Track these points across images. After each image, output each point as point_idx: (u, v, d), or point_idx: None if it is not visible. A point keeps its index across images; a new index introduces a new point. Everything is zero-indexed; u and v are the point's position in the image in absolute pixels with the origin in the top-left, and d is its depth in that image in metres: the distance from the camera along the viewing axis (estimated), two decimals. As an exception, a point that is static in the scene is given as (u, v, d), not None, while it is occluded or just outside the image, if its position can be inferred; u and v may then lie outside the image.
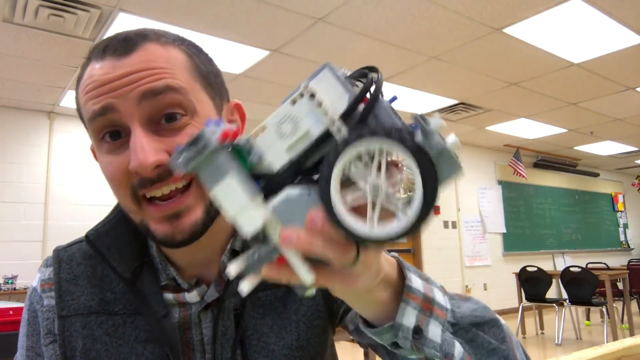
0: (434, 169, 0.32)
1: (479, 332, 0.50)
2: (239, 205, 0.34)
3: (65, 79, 4.45)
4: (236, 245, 0.63)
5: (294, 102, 0.36)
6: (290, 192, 0.35)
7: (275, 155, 0.35)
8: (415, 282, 0.47)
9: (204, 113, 0.55)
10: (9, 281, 4.71)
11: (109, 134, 0.54)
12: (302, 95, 0.36)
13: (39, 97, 4.86)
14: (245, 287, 0.37)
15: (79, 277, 0.62)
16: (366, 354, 2.95)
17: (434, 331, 0.46)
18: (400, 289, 0.46)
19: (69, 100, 4.98)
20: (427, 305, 0.47)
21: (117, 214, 0.65)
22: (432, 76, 4.64)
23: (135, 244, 0.63)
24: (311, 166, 0.36)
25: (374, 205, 0.33)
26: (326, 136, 0.35)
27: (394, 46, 4.00)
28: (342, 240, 0.34)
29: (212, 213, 0.56)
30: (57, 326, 0.60)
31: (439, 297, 0.48)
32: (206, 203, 0.55)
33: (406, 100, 5.38)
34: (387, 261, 0.46)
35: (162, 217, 0.54)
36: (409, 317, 0.45)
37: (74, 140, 5.40)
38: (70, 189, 5.27)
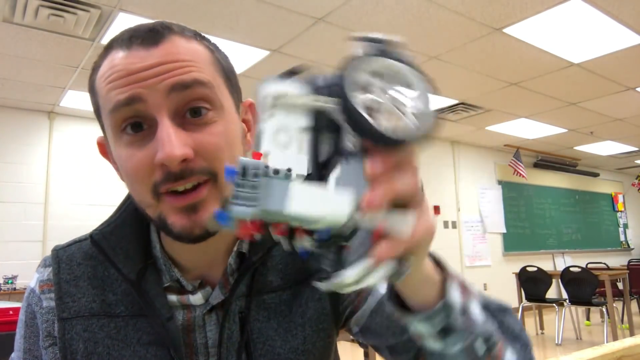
0: (425, 76, 0.37)
1: (504, 317, 0.50)
2: (320, 204, 0.34)
3: (65, 79, 4.45)
4: (243, 247, 0.62)
5: (271, 115, 0.36)
6: (336, 172, 0.35)
7: (295, 163, 0.35)
8: (448, 266, 0.47)
9: (228, 109, 0.56)
10: (9, 281, 4.71)
11: (131, 125, 0.52)
12: (272, 106, 0.36)
13: (39, 97, 4.86)
14: (352, 276, 0.35)
15: (79, 278, 0.61)
16: (366, 354, 2.95)
17: (476, 311, 0.46)
18: (440, 271, 0.46)
19: (69, 100, 4.98)
20: (464, 286, 0.46)
21: (122, 214, 0.63)
22: (432, 76, 4.62)
23: (139, 245, 0.62)
24: (329, 156, 0.37)
25: (392, 111, 0.35)
26: (318, 120, 0.36)
27: (394, 46, 4.00)
28: (399, 158, 0.35)
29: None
30: (57, 329, 0.59)
31: (467, 281, 0.49)
32: (222, 198, 0.54)
33: (406, 100, 5.38)
34: None
35: (181, 208, 0.52)
36: (455, 296, 0.44)
37: (74, 140, 5.40)
38: (70, 189, 5.27)
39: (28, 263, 4.88)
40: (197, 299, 0.60)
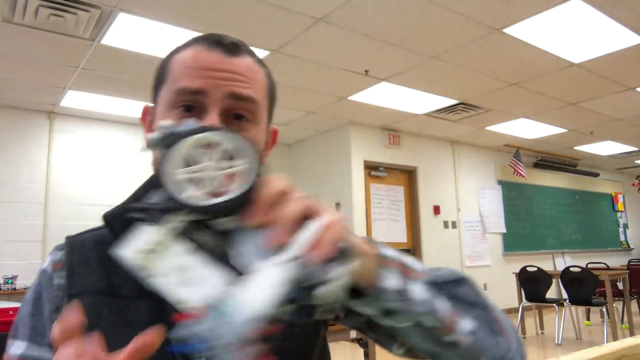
0: (253, 153, 0.39)
1: (457, 288, 0.55)
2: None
3: (65, 79, 4.45)
4: None
5: (154, 274, 0.40)
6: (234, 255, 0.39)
7: (211, 281, 0.38)
8: (389, 251, 0.52)
9: (262, 125, 0.66)
10: (9, 281, 4.71)
11: (185, 106, 0.61)
12: (146, 259, 0.40)
13: (39, 97, 4.86)
14: None
15: (89, 260, 0.66)
16: (366, 354, 2.94)
17: (417, 290, 0.50)
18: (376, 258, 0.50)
19: (69, 100, 4.98)
20: (405, 269, 0.51)
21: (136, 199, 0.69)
22: (432, 76, 4.64)
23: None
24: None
25: (207, 182, 0.39)
26: (192, 229, 0.39)
27: (394, 46, 4.00)
28: (265, 200, 0.39)
29: None
30: (65, 303, 0.63)
31: (413, 262, 0.54)
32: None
33: (406, 100, 5.38)
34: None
35: None
36: (391, 280, 0.49)
37: (74, 140, 5.40)
38: (70, 189, 5.27)
39: (28, 263, 4.89)
40: None
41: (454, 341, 0.51)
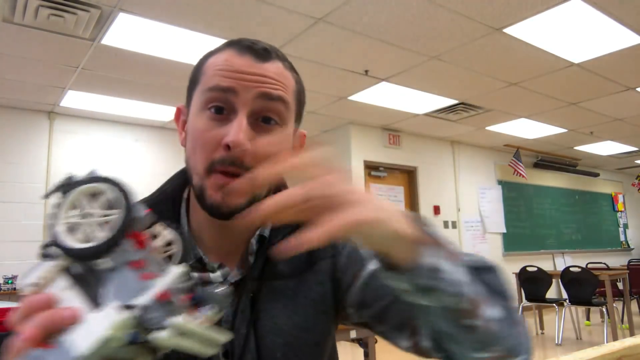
0: (127, 203, 0.43)
1: (487, 275, 0.56)
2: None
3: (65, 79, 4.45)
4: (265, 232, 0.72)
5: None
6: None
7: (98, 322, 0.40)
8: (432, 230, 0.52)
9: (289, 129, 0.69)
10: (9, 281, 4.71)
11: (215, 108, 0.64)
12: None
13: (39, 97, 4.86)
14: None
15: None
16: (366, 354, 2.94)
17: (454, 271, 0.50)
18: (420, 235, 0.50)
19: (69, 100, 4.98)
20: (444, 249, 0.51)
21: (161, 194, 0.73)
22: (432, 76, 4.64)
23: (173, 222, 0.67)
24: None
25: (83, 228, 0.43)
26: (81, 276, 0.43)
27: (394, 46, 4.00)
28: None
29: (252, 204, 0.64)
30: None
31: (451, 244, 0.54)
32: (251, 196, 0.63)
33: (406, 100, 5.38)
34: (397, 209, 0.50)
35: (220, 185, 0.62)
36: (430, 258, 0.49)
37: (74, 140, 5.40)
38: (70, 189, 5.27)
39: (28, 263, 4.89)
40: (217, 276, 0.68)
41: (474, 325, 0.51)
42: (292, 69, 0.71)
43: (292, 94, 0.69)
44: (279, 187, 0.69)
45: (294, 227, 0.68)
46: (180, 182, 0.74)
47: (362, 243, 0.48)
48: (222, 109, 0.64)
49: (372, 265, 0.69)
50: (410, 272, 0.48)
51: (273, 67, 0.66)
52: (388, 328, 0.66)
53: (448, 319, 0.51)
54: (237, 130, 0.61)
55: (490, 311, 0.52)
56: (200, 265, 0.68)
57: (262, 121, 0.65)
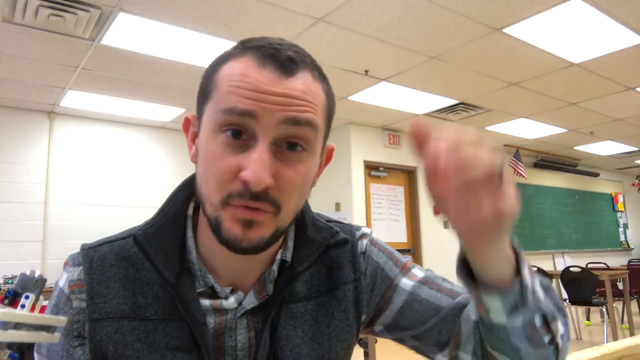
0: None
1: (551, 292, 0.57)
2: None
3: (65, 79, 4.45)
4: (287, 256, 0.65)
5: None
6: None
7: None
8: (520, 247, 0.53)
9: (316, 152, 0.60)
10: (9, 281, 4.70)
11: (232, 131, 0.54)
12: None
13: (39, 97, 4.86)
14: None
15: (110, 280, 0.61)
16: (366, 354, 2.94)
17: (539, 289, 0.52)
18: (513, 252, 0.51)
19: (69, 100, 4.98)
20: (529, 267, 0.52)
21: (162, 217, 0.64)
22: (432, 76, 4.64)
23: (177, 249, 0.63)
24: None
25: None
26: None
27: (394, 46, 4.00)
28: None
29: (278, 237, 0.58)
30: (87, 330, 0.59)
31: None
32: (276, 228, 0.57)
33: (406, 100, 5.38)
34: None
35: (240, 219, 0.55)
36: (527, 276, 0.50)
37: (74, 140, 5.40)
38: (70, 189, 5.27)
39: (28, 263, 4.88)
40: (230, 303, 0.62)
41: (548, 342, 0.52)
42: (321, 77, 0.62)
43: (322, 113, 0.59)
44: (300, 215, 0.66)
45: (319, 254, 0.66)
46: (183, 199, 0.66)
47: (481, 245, 0.48)
48: (240, 133, 0.54)
49: (405, 286, 0.69)
50: (511, 289, 0.48)
51: (300, 83, 0.56)
52: (427, 345, 0.66)
53: (527, 336, 0.51)
54: (258, 165, 0.52)
55: (561, 327, 0.54)
56: (211, 291, 0.62)
57: (286, 148, 0.55)
